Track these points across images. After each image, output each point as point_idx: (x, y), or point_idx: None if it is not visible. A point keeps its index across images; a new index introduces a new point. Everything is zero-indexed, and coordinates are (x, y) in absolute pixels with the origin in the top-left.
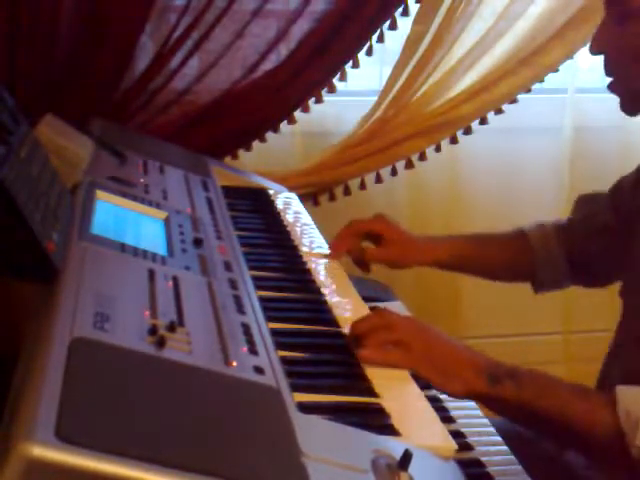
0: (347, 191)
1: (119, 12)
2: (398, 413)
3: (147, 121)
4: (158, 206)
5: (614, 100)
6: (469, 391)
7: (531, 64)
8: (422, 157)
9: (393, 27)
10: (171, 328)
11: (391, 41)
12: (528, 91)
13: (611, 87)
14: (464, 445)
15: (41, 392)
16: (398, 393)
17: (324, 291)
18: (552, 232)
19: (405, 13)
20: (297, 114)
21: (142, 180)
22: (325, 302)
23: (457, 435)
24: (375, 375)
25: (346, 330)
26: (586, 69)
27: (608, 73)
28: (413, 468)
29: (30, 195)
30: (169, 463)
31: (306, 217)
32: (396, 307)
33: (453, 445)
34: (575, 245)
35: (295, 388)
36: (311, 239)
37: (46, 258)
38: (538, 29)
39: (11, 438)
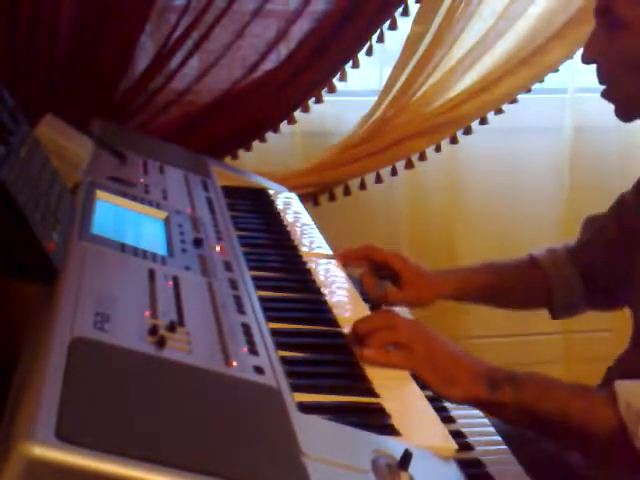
0: (347, 191)
1: (119, 12)
2: (398, 413)
3: (147, 121)
4: (158, 206)
5: None
6: (467, 397)
7: (531, 64)
8: (422, 157)
9: (393, 27)
10: (171, 328)
11: (391, 41)
12: (528, 91)
13: (605, 95)
14: (464, 445)
15: (41, 392)
16: (398, 393)
17: (324, 291)
18: (563, 255)
19: (405, 13)
20: (297, 114)
21: (142, 180)
22: (325, 302)
23: (457, 435)
24: (375, 375)
25: (346, 330)
26: (586, 69)
27: (601, 81)
28: (413, 468)
29: (30, 195)
30: (169, 463)
31: (306, 217)
32: (396, 307)
33: (453, 445)
34: (587, 265)
35: (295, 388)
36: (311, 239)
37: (46, 258)
38: (538, 29)
39: (11, 438)
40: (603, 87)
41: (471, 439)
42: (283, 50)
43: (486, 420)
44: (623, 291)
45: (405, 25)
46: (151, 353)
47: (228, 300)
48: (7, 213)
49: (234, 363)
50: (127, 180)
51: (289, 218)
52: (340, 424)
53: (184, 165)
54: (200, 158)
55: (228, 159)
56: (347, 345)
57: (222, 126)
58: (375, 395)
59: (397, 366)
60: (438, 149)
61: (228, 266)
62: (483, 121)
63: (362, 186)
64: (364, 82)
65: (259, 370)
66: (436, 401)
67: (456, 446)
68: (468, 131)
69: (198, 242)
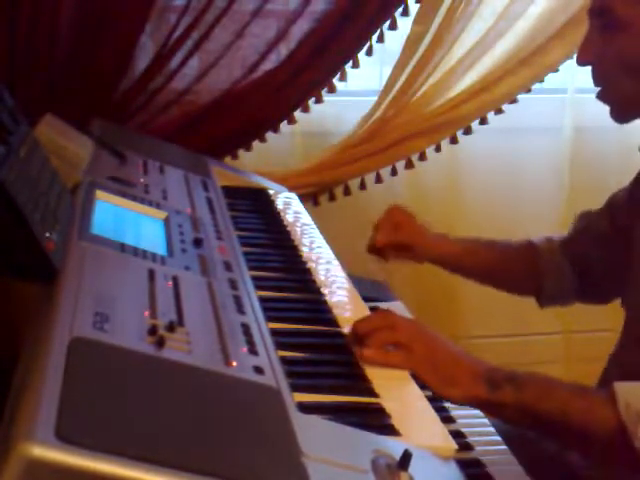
0: (347, 191)
1: (119, 12)
2: (398, 413)
3: (147, 121)
4: (158, 206)
5: None
6: (468, 397)
7: (531, 64)
8: (422, 157)
9: (393, 27)
10: (171, 328)
11: (391, 41)
12: (528, 91)
13: (600, 96)
14: (464, 445)
15: (41, 392)
16: (398, 393)
17: (324, 291)
18: (558, 245)
19: (405, 13)
20: (297, 114)
21: (142, 180)
22: (325, 302)
23: (457, 435)
24: (375, 375)
25: (346, 330)
26: (586, 69)
27: (596, 83)
28: (413, 468)
29: (30, 195)
30: (168, 463)
31: (306, 217)
32: (396, 307)
33: (453, 445)
34: (575, 256)
35: (295, 388)
36: (311, 239)
37: (46, 258)
38: (538, 29)
39: (11, 438)
40: (598, 89)
41: (471, 439)
42: (283, 50)
43: (486, 420)
44: (615, 286)
45: (405, 25)
46: (150, 353)
47: (228, 300)
48: (7, 213)
49: (234, 363)
50: (127, 180)
51: (289, 218)
52: (340, 424)
53: (184, 165)
54: (200, 158)
55: (228, 159)
56: (347, 345)
57: (222, 126)
58: (375, 395)
59: (397, 366)
60: (438, 149)
61: (228, 266)
62: (483, 121)
63: (362, 186)
64: (364, 82)
65: (259, 370)
66: (436, 401)
67: (456, 446)
68: (468, 131)
69: (198, 242)
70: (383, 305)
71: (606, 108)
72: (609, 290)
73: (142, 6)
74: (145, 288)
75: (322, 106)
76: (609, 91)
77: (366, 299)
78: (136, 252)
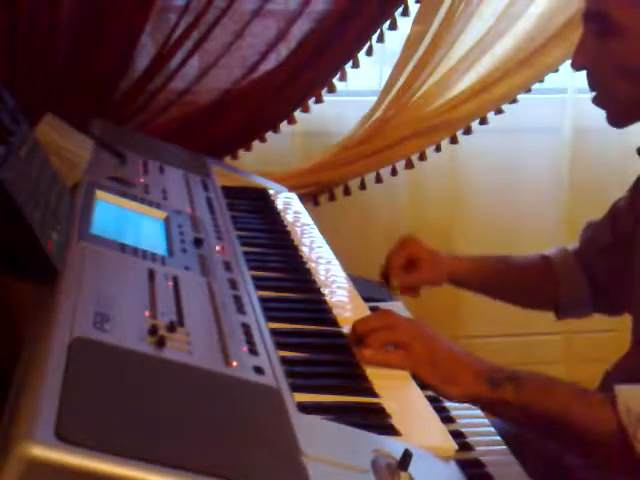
0: (347, 191)
1: (119, 12)
2: (398, 413)
3: (147, 121)
4: (158, 206)
5: None
6: (468, 395)
7: (531, 64)
8: (422, 157)
9: (393, 27)
10: (171, 328)
11: (391, 41)
12: (528, 91)
13: (595, 101)
14: (464, 445)
15: (41, 392)
16: (398, 393)
17: (324, 291)
18: (572, 256)
19: (405, 13)
20: (297, 114)
21: (142, 180)
22: (325, 302)
23: (457, 435)
24: (375, 375)
25: (346, 330)
26: None
27: (592, 88)
28: (413, 468)
29: (30, 195)
30: (169, 463)
31: (306, 217)
32: (396, 307)
33: (453, 445)
34: (587, 267)
35: (295, 388)
36: (311, 239)
37: (46, 258)
38: (538, 29)
39: (11, 438)
40: (594, 93)
41: (471, 439)
42: (283, 50)
43: (486, 420)
44: (622, 295)
45: (405, 25)
46: (151, 353)
47: (228, 300)
48: (7, 213)
49: (234, 363)
50: (127, 180)
51: (289, 218)
52: (340, 424)
53: (184, 165)
54: (200, 158)
55: (228, 159)
56: (347, 345)
57: (222, 126)
58: (375, 395)
59: (397, 366)
60: (438, 149)
61: (228, 266)
62: (483, 121)
63: (362, 186)
64: (364, 82)
65: (259, 370)
66: (436, 401)
67: (456, 446)
68: (468, 131)
69: (198, 242)
70: (383, 305)
71: None
72: (619, 300)
73: (142, 6)
74: (145, 288)
75: (322, 106)
76: (605, 96)
77: (366, 299)
78: (136, 252)
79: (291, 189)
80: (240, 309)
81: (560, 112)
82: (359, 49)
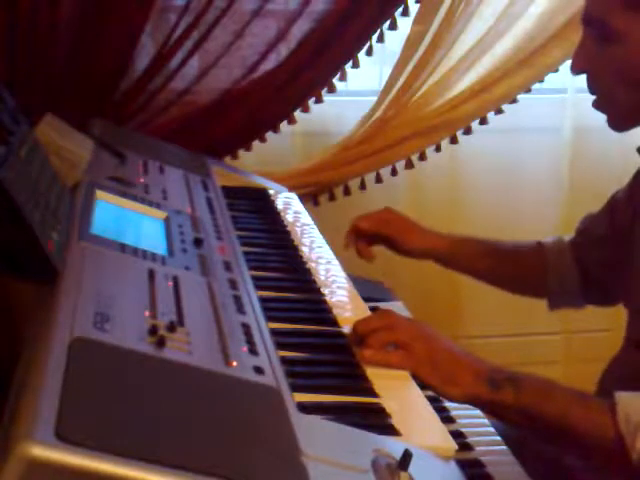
0: (347, 191)
1: (119, 12)
2: (398, 413)
3: (147, 121)
4: (158, 206)
5: None
6: (468, 396)
7: (531, 64)
8: (422, 157)
9: (393, 27)
10: (171, 328)
11: (391, 41)
12: (528, 91)
13: (596, 105)
14: (464, 445)
15: (41, 392)
16: (398, 393)
17: (324, 291)
18: (568, 245)
19: (405, 13)
20: (297, 114)
21: (142, 180)
22: (325, 302)
23: (457, 435)
24: (375, 375)
25: (346, 330)
26: None
27: (592, 91)
28: (413, 468)
29: (30, 195)
30: (169, 463)
31: (306, 217)
32: (396, 307)
33: (453, 445)
34: (581, 259)
35: (295, 388)
36: (311, 239)
37: (46, 258)
38: (538, 29)
39: (11, 438)
40: (594, 97)
41: (471, 439)
42: (283, 50)
43: (486, 420)
44: (618, 288)
45: (405, 25)
46: (151, 353)
47: (228, 300)
48: (7, 213)
49: (234, 363)
50: (127, 180)
51: (289, 218)
52: (340, 424)
53: (184, 165)
54: (200, 158)
55: (228, 159)
56: (347, 345)
57: (222, 126)
58: (375, 395)
59: (397, 366)
60: (438, 149)
61: (228, 266)
62: (483, 121)
63: (362, 186)
64: (364, 82)
65: (259, 370)
66: (436, 401)
67: (456, 446)
68: (468, 131)
69: (198, 242)
70: (383, 305)
71: None
72: (613, 292)
73: (142, 6)
74: (145, 288)
75: (322, 106)
76: (604, 100)
77: (366, 299)
78: (136, 252)
79: (291, 189)
80: (240, 309)
81: (560, 112)
82: (359, 49)
